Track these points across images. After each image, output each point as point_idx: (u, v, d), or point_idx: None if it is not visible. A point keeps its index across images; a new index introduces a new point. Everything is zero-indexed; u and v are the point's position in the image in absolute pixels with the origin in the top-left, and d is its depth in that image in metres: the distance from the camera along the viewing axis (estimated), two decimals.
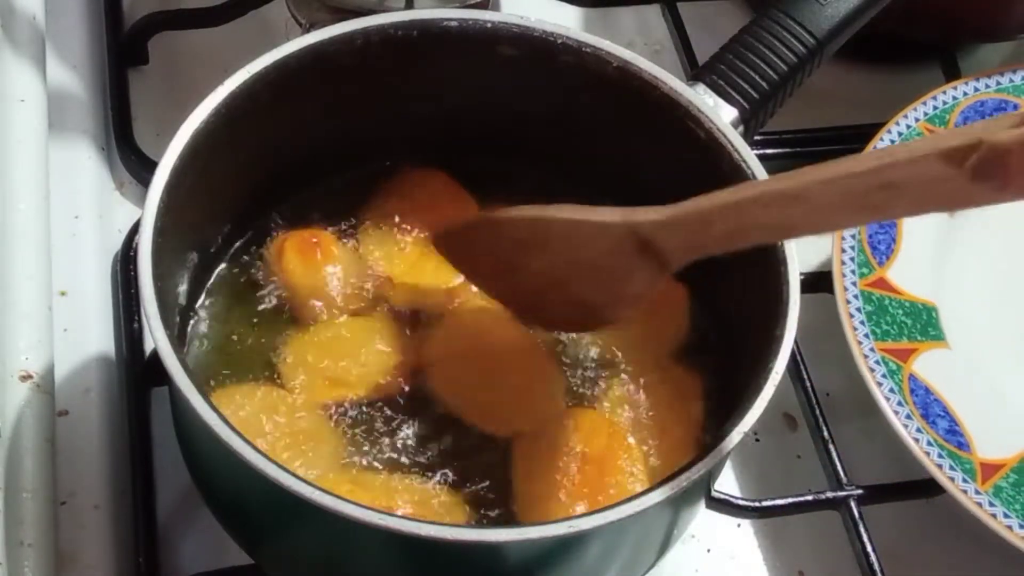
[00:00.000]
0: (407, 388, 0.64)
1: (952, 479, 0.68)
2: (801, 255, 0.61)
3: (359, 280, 0.67)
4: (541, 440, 0.63)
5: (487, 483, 0.61)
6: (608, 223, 0.56)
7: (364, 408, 0.63)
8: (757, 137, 0.71)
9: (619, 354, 0.66)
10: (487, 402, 0.64)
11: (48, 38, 0.83)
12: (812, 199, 0.50)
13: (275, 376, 0.64)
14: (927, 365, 0.73)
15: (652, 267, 0.56)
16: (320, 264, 0.66)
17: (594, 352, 0.66)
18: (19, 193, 0.73)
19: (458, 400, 0.64)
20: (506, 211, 0.61)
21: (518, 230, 0.60)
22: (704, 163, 0.64)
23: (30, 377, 0.67)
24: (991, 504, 0.68)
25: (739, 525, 0.72)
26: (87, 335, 0.73)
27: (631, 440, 0.63)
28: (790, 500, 0.71)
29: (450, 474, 0.61)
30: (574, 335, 0.67)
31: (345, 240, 0.69)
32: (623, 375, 0.66)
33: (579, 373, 0.66)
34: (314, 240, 0.67)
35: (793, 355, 0.74)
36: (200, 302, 0.66)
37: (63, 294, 0.74)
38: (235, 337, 0.65)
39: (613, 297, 0.60)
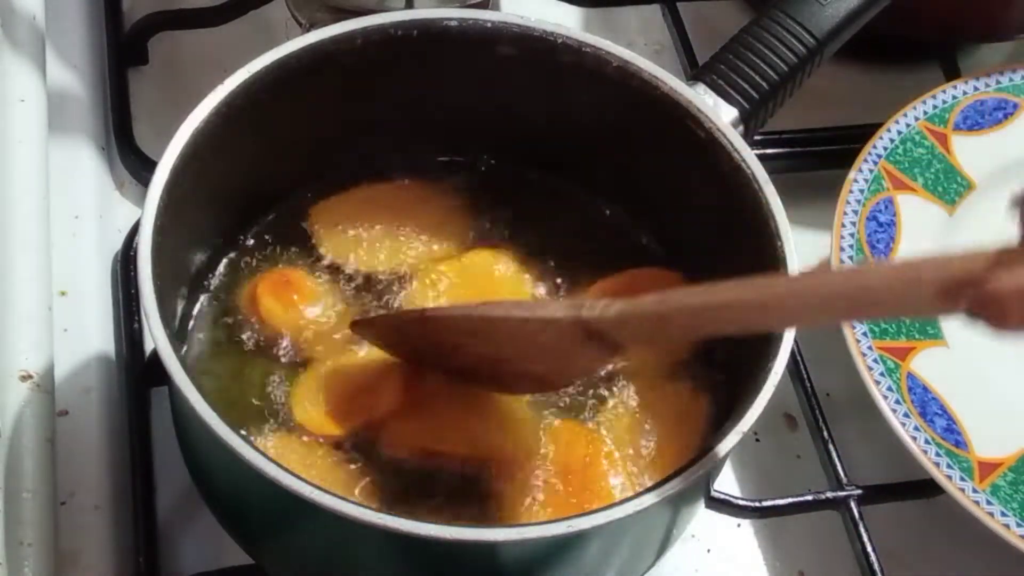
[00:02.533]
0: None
1: (949, 477, 0.68)
2: (800, 255, 0.61)
3: (340, 308, 0.66)
4: (519, 456, 0.62)
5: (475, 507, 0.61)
6: (556, 319, 0.55)
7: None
8: (757, 137, 0.71)
9: (622, 365, 0.66)
10: (460, 436, 0.62)
11: (48, 38, 0.83)
12: (778, 310, 0.49)
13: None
14: (925, 363, 0.73)
15: (603, 350, 0.55)
16: (298, 303, 0.65)
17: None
18: (19, 193, 0.73)
19: (431, 440, 0.62)
20: (442, 309, 0.61)
21: (457, 326, 0.59)
22: (704, 163, 0.64)
23: (30, 377, 0.67)
24: (988, 503, 0.68)
25: (739, 525, 0.72)
26: (87, 335, 0.73)
27: (612, 449, 0.63)
28: (790, 500, 0.71)
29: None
30: None
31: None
32: (623, 388, 0.65)
33: (577, 386, 0.65)
34: (286, 280, 0.66)
35: (793, 355, 0.74)
36: (200, 301, 0.66)
37: (63, 294, 0.74)
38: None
39: (559, 371, 0.59)
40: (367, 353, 0.64)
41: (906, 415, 0.70)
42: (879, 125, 0.80)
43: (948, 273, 0.44)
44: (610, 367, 0.65)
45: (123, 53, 0.84)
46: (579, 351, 0.56)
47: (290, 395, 0.63)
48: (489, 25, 0.66)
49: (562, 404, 0.64)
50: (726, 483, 0.73)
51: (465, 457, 0.61)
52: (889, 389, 0.71)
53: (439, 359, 0.61)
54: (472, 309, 0.60)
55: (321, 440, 0.61)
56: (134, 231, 0.76)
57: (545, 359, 0.58)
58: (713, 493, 0.68)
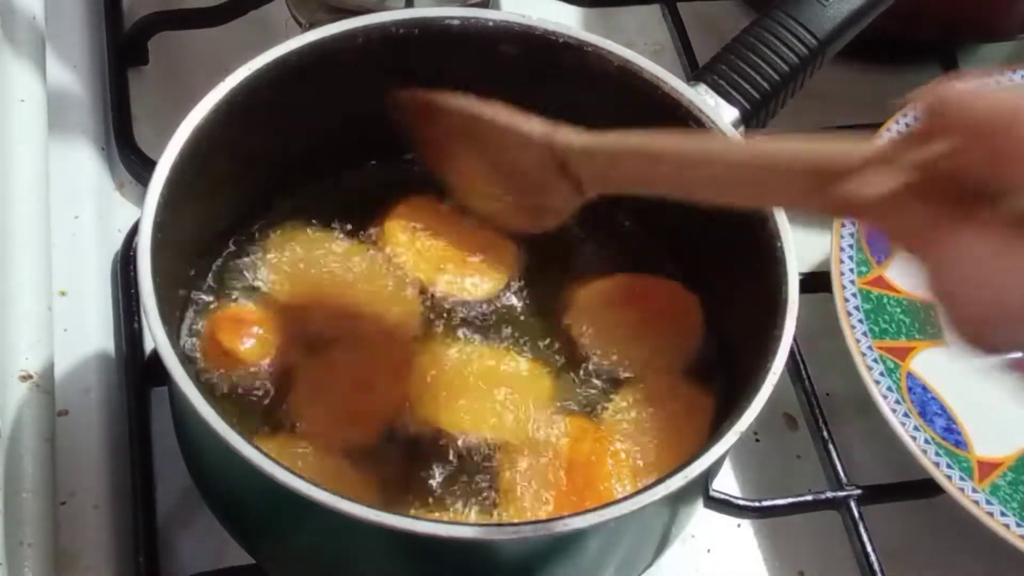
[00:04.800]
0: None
1: (949, 477, 0.68)
2: (800, 255, 0.61)
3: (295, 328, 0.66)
4: (525, 448, 0.62)
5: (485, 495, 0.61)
6: (530, 135, 0.58)
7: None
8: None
9: (629, 366, 0.66)
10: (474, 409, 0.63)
11: (48, 38, 0.83)
12: (702, 170, 0.52)
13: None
14: (925, 363, 0.73)
15: (569, 187, 0.58)
16: (258, 336, 0.64)
17: (605, 364, 0.66)
18: (19, 193, 0.73)
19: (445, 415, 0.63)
20: (452, 98, 0.62)
21: (459, 118, 0.62)
22: None
23: (30, 377, 0.67)
24: (988, 502, 0.68)
25: (739, 525, 0.72)
26: (87, 335, 0.73)
27: (619, 446, 0.63)
28: (790, 500, 0.71)
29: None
30: (585, 347, 0.67)
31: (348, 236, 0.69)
32: (633, 388, 0.65)
33: (589, 383, 0.65)
34: (240, 319, 0.65)
35: (793, 355, 0.74)
36: (201, 301, 0.66)
37: (63, 294, 0.74)
38: None
39: (535, 207, 0.61)
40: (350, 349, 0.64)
41: (906, 415, 0.70)
42: (879, 125, 0.80)
43: (818, 161, 0.44)
44: (622, 372, 0.66)
45: (123, 53, 0.84)
46: (551, 183, 0.58)
47: (289, 409, 0.63)
48: (491, 24, 0.66)
49: (575, 403, 0.64)
50: (726, 483, 0.73)
51: (478, 439, 0.62)
52: (889, 389, 0.71)
53: (446, 155, 0.64)
54: (471, 105, 0.62)
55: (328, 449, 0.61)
56: (134, 231, 0.76)
57: (524, 182, 0.60)
58: (713, 493, 0.68)
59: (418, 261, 0.68)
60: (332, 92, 0.66)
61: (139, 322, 0.72)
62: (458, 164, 0.64)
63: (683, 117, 0.64)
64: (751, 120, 0.66)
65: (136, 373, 0.70)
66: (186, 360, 0.56)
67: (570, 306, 0.68)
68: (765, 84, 0.66)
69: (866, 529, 0.70)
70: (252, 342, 0.64)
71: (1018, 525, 0.67)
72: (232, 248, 0.68)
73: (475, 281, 0.68)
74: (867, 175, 0.43)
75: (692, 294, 0.69)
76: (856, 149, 0.44)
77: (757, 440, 0.75)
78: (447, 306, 0.67)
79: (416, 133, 0.65)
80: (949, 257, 0.41)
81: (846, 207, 0.45)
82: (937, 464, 0.68)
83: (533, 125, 0.58)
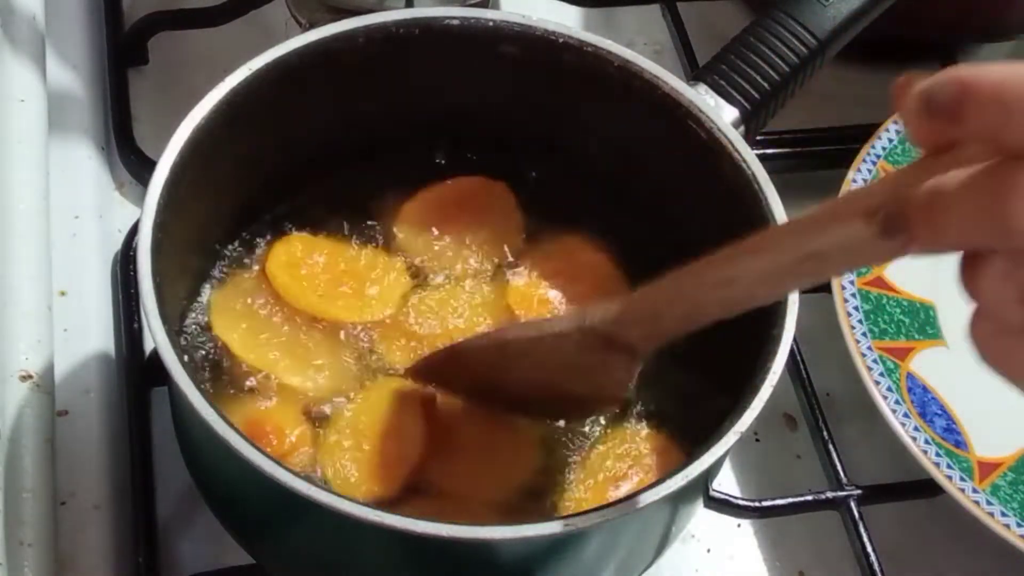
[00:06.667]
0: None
1: (949, 478, 0.68)
2: None
3: None
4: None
5: None
6: (564, 332, 0.56)
7: None
8: (758, 137, 0.71)
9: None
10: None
11: (48, 38, 0.83)
12: (744, 281, 0.49)
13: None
14: (925, 364, 0.73)
15: (624, 356, 0.56)
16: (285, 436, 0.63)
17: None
18: (19, 193, 0.73)
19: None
20: (466, 341, 0.62)
21: (484, 355, 0.61)
22: (705, 163, 0.64)
23: (30, 377, 0.67)
24: (988, 503, 0.68)
25: (739, 525, 0.72)
26: (87, 335, 0.73)
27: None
28: (790, 500, 0.71)
29: None
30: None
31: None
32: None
33: None
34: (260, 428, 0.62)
35: (793, 355, 0.74)
36: (201, 301, 0.66)
37: (63, 294, 0.74)
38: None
39: (598, 387, 0.59)
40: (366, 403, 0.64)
41: (906, 415, 0.70)
42: (879, 125, 0.80)
43: (871, 199, 0.42)
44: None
45: (123, 53, 0.84)
46: (604, 360, 0.56)
47: (319, 463, 0.62)
48: (491, 24, 0.66)
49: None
50: (726, 483, 0.73)
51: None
52: (889, 389, 0.71)
53: (486, 391, 0.62)
54: (488, 336, 0.62)
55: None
56: (134, 231, 0.76)
57: (578, 375, 0.58)
58: (713, 493, 0.68)
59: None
60: (332, 92, 0.66)
61: (139, 322, 0.72)
62: (508, 393, 0.61)
63: (683, 117, 0.64)
64: (751, 120, 0.66)
65: (136, 373, 0.70)
66: (186, 360, 0.56)
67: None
68: (765, 84, 0.66)
69: (866, 529, 0.70)
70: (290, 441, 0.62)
71: (1018, 525, 0.67)
72: (232, 248, 0.68)
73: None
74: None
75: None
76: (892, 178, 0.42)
77: (757, 440, 0.75)
78: None
79: (449, 388, 0.63)
80: None
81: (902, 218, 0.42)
82: (937, 464, 0.68)
83: (559, 324, 0.57)
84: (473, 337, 0.63)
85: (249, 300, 0.65)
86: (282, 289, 0.65)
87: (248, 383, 0.63)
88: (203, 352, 0.64)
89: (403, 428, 0.62)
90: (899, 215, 0.41)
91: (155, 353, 0.54)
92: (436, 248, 0.69)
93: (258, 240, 0.68)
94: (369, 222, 0.69)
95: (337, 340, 0.65)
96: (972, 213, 0.39)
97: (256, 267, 0.67)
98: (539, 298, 0.68)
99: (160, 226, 0.57)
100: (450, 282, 0.68)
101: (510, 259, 0.69)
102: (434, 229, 0.69)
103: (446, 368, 0.62)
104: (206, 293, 0.66)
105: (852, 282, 0.74)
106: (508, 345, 0.60)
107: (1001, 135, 0.38)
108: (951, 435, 0.70)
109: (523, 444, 0.64)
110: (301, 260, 0.67)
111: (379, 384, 0.64)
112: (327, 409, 0.63)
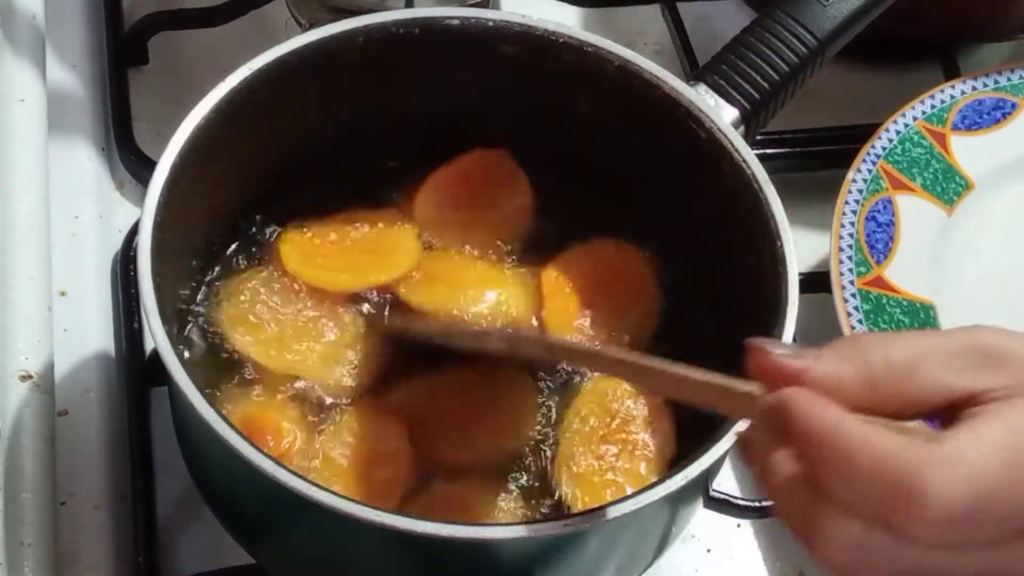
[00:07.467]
0: None
1: None
2: (800, 255, 0.61)
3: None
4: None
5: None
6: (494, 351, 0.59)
7: None
8: (758, 137, 0.71)
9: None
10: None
11: (48, 38, 0.83)
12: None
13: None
14: None
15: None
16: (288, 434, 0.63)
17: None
18: (19, 193, 0.73)
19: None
20: (406, 324, 0.65)
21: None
22: (705, 163, 0.64)
23: (30, 377, 0.67)
24: None
25: (739, 525, 0.72)
26: (87, 335, 0.73)
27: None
28: None
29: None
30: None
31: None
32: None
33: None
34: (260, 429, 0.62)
35: None
36: (201, 301, 0.66)
37: (63, 294, 0.74)
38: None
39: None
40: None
41: None
42: (879, 125, 0.80)
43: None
44: None
45: (123, 53, 0.84)
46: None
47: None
48: (491, 24, 0.66)
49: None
50: (726, 483, 0.73)
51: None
52: None
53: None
54: (432, 325, 0.64)
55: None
56: (134, 231, 0.76)
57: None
58: (713, 493, 0.68)
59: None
60: (332, 92, 0.66)
61: (139, 322, 0.72)
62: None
63: (683, 117, 0.64)
64: (751, 120, 0.66)
65: (136, 373, 0.70)
66: (186, 360, 0.56)
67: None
68: (765, 84, 0.66)
69: None
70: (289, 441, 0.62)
71: None
72: (232, 247, 0.68)
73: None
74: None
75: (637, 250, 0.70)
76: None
77: None
78: None
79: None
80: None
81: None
82: None
83: (491, 339, 0.60)
84: (417, 323, 0.65)
85: (252, 299, 0.65)
86: (295, 269, 0.66)
87: (248, 383, 0.63)
88: (203, 352, 0.64)
89: (388, 453, 0.62)
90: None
91: (155, 353, 0.54)
92: (448, 222, 0.70)
93: (258, 239, 0.68)
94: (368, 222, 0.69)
95: (345, 334, 0.65)
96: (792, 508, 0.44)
97: (256, 266, 0.67)
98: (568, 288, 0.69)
99: (160, 226, 0.57)
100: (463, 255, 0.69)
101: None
102: (447, 209, 0.70)
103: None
104: (206, 293, 0.66)
105: (852, 282, 0.74)
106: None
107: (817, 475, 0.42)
108: None
109: (509, 407, 0.65)
110: (311, 240, 0.67)
111: (348, 416, 0.63)
112: (328, 401, 0.63)
